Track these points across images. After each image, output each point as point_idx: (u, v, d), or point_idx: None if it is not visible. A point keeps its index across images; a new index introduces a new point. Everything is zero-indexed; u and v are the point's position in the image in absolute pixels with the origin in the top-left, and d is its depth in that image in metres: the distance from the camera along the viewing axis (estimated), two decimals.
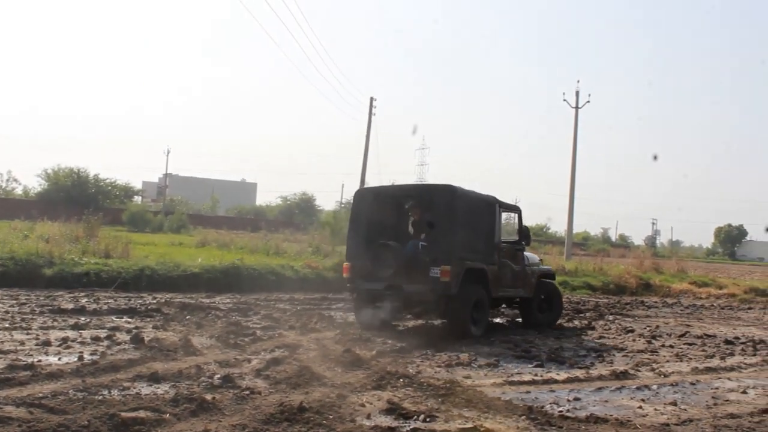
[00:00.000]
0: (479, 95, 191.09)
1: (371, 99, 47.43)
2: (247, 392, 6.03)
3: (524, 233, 12.13)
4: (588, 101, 37.25)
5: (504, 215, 12.33)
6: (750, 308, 18.75)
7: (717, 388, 7.31)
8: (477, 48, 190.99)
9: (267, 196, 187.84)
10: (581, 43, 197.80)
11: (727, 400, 6.72)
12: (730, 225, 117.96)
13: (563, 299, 13.66)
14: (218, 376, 6.59)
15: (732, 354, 9.85)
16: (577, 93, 37.38)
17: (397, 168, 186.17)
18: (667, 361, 8.89)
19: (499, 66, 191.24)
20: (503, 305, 12.76)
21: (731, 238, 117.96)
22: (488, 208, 11.27)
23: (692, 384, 7.48)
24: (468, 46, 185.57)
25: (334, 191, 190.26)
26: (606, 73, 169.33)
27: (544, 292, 12.57)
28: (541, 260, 13.95)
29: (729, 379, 7.93)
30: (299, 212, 71.99)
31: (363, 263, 10.73)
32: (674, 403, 6.42)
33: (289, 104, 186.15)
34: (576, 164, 36.98)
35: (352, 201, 12.56)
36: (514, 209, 12.36)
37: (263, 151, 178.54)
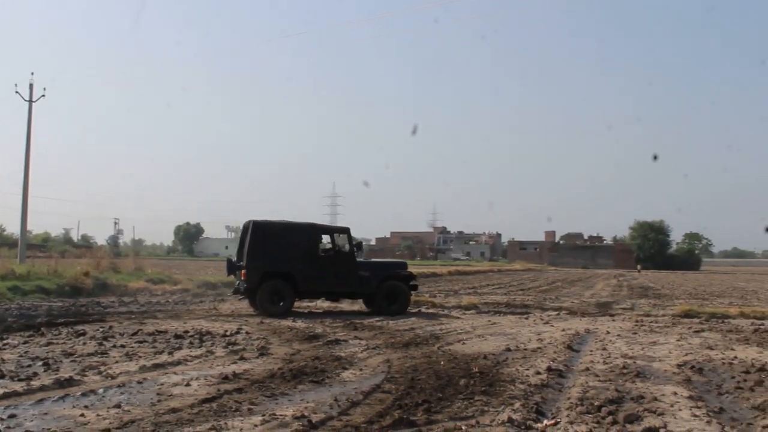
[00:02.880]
0: None
1: None
2: None
3: (356, 246, 17.12)
4: (43, 95, 35.27)
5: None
6: (201, 301, 19.83)
7: (163, 384, 7.39)
8: None
9: None
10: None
11: (171, 395, 6.83)
12: (188, 223, 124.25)
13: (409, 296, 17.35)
14: None
15: (180, 348, 10.16)
16: (31, 86, 35.08)
17: None
18: (117, 362, 8.75)
19: None
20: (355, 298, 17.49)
21: (190, 236, 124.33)
22: (299, 231, 16.75)
23: (139, 383, 7.45)
24: None
25: None
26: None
27: (389, 289, 16.84)
28: (405, 265, 18.37)
29: (175, 373, 8.11)
30: None
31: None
32: (119, 406, 6.28)
33: None
34: (30, 161, 34.77)
35: None
36: (342, 230, 17.38)
37: None
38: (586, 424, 5.93)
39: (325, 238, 17.20)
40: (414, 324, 14.06)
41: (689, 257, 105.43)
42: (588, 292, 30.17)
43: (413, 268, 49.42)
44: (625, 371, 8.60)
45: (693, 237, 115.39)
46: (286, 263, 16.19)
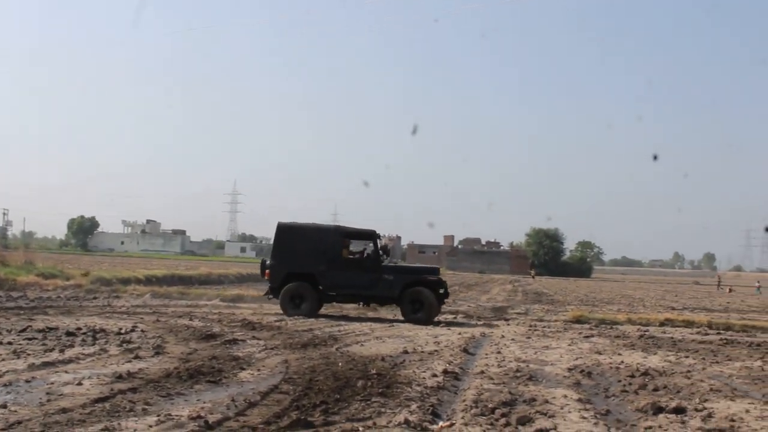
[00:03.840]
0: None
1: None
2: None
3: (383, 249, 16.91)
4: None
5: None
6: (95, 297, 19.25)
7: (53, 383, 7.13)
8: None
9: None
10: None
11: (61, 395, 6.60)
12: (83, 216, 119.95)
13: (435, 303, 16.28)
14: None
15: (72, 346, 9.82)
16: None
17: None
18: (3, 360, 8.37)
19: None
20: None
21: (84, 230, 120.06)
22: (324, 233, 16.89)
23: (27, 382, 7.16)
24: None
25: None
26: None
27: (415, 295, 16.12)
28: (434, 270, 17.60)
29: (66, 372, 7.84)
30: None
31: None
32: (4, 406, 6.01)
33: None
34: None
35: None
36: (369, 234, 16.97)
37: None
38: (480, 425, 6.09)
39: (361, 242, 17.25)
40: (312, 325, 14.07)
41: (581, 264, 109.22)
42: (484, 296, 30.89)
43: None
44: (518, 374, 8.87)
45: (585, 245, 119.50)
46: (309, 265, 16.44)
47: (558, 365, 9.96)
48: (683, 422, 6.57)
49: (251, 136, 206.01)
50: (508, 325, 16.38)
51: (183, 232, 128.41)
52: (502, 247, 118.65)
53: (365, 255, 17.11)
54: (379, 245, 16.85)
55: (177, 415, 5.97)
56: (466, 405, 6.90)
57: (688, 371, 9.82)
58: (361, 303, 17.21)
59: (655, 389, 8.23)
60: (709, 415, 6.83)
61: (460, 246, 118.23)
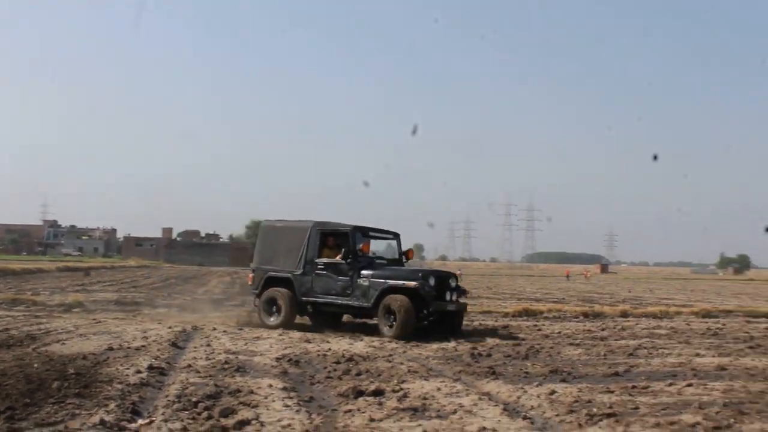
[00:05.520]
0: None
1: None
2: None
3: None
4: None
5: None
6: None
7: None
8: None
9: None
10: None
11: None
12: None
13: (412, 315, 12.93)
14: None
15: None
16: None
17: None
18: None
19: None
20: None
21: None
22: (299, 232, 14.50)
23: None
24: None
25: None
26: None
27: (390, 305, 13.02)
28: (420, 275, 13.56)
29: None
30: None
31: None
32: None
33: None
34: None
35: None
36: (343, 231, 14.08)
37: None
38: (182, 420, 5.95)
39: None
40: (9, 324, 12.88)
41: None
42: (201, 289, 30.42)
43: (17, 264, 45.25)
44: (226, 366, 8.81)
45: None
46: (287, 268, 14.49)
47: (267, 355, 10.05)
48: (381, 403, 6.93)
49: None
50: (222, 317, 16.14)
51: None
52: (221, 240, 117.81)
53: (341, 256, 14.10)
54: (358, 244, 14.05)
55: None
56: (168, 400, 6.70)
57: (390, 355, 10.43)
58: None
59: (358, 374, 8.63)
60: (405, 395, 7.29)
61: (178, 238, 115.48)
